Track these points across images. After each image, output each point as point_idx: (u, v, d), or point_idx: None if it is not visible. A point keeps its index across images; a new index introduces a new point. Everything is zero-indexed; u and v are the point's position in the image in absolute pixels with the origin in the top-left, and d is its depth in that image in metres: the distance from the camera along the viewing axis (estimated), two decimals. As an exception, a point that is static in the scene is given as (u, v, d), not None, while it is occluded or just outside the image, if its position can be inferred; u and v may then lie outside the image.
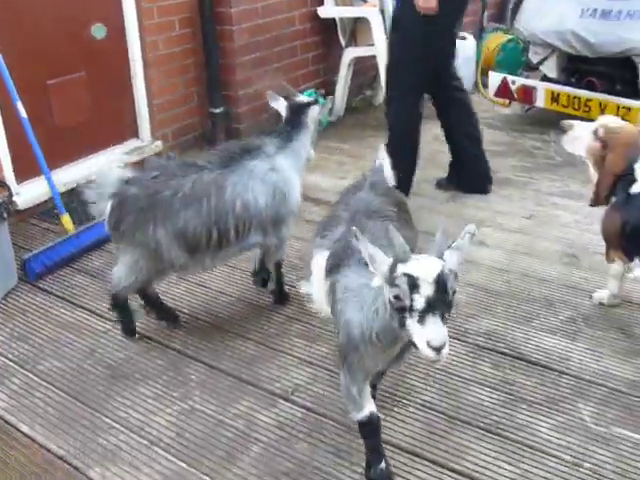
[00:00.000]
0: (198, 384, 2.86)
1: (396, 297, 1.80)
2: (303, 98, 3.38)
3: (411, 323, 1.78)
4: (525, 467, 2.39)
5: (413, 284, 1.77)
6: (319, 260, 2.35)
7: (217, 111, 5.32)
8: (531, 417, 2.61)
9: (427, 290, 1.76)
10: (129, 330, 3.20)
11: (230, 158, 3.01)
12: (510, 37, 6.66)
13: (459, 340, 3.06)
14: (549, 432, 2.54)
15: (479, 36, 7.02)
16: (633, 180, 2.91)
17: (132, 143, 5.01)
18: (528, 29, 5.55)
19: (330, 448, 2.50)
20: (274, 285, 3.38)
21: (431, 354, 1.74)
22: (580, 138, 3.05)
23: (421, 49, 4.09)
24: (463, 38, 6.64)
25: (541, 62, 5.66)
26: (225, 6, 5.13)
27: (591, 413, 2.63)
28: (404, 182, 3.91)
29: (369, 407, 2.26)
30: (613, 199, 2.97)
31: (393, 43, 4.33)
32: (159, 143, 5.07)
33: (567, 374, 2.84)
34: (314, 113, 3.28)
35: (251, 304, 3.40)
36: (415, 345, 1.79)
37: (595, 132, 2.98)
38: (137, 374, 2.93)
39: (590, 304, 3.29)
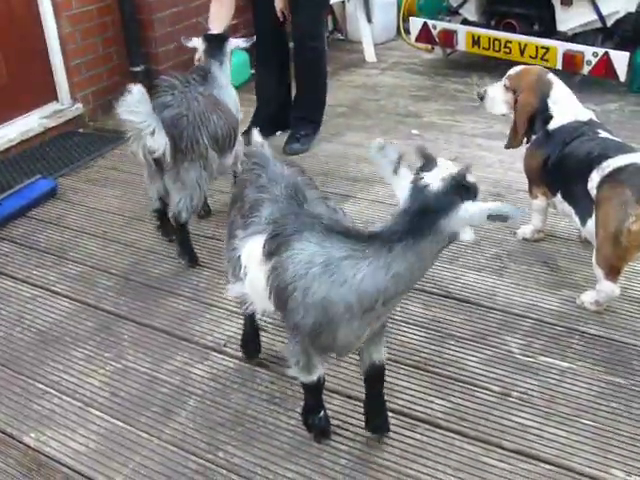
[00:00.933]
0: (131, 343, 2.85)
1: None
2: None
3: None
4: (455, 400, 2.46)
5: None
6: (253, 249, 2.08)
7: (137, 69, 5.21)
8: (460, 352, 2.68)
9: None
10: (193, 258, 3.33)
11: (202, 77, 3.35)
12: (430, -19, 6.65)
13: (388, 283, 3.10)
14: (478, 365, 2.61)
15: (399, -18, 7.01)
16: (549, 117, 2.98)
17: (51, 107, 4.89)
18: (446, -28, 5.55)
19: (264, 396, 2.53)
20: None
21: None
22: (495, 97, 3.22)
23: None
24: (383, -16, 6.63)
25: (460, 5, 5.69)
26: (138, -40, 5.01)
27: (518, 345, 2.71)
28: None
29: (318, 372, 2.20)
30: (533, 137, 3.05)
31: None
32: (79, 105, 4.96)
33: (494, 309, 2.92)
34: (230, 46, 3.56)
35: (180, 261, 3.38)
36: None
37: (504, 85, 3.15)
38: (67, 337, 2.90)
39: (515, 240, 3.36)
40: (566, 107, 3.02)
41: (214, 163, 3.24)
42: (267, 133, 3.98)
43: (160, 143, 2.97)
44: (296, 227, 1.97)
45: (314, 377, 2.20)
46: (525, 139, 3.13)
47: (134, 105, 2.88)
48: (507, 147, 3.22)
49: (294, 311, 1.97)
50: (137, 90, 2.88)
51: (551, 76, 3.08)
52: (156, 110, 3.00)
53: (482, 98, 3.29)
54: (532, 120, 3.05)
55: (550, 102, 3.00)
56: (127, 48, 5.20)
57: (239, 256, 2.18)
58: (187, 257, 3.32)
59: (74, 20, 4.81)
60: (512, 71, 3.16)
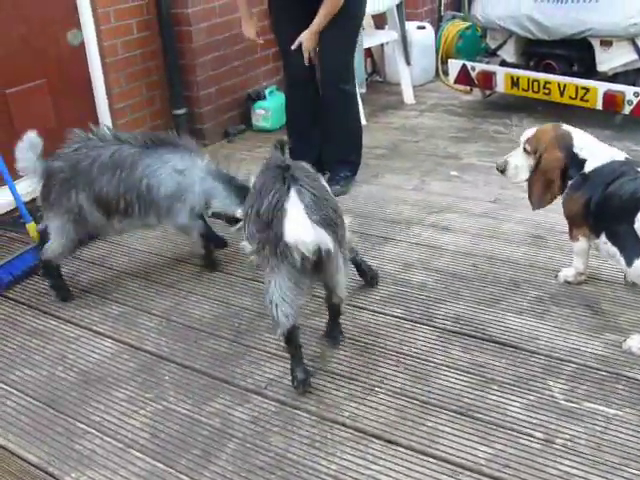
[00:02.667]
0: (172, 384, 2.86)
1: None
2: None
3: None
4: (499, 447, 2.42)
5: None
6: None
7: (179, 112, 5.31)
8: (502, 397, 2.64)
9: None
10: (65, 295, 3.52)
11: (153, 142, 3.37)
12: (468, 24, 6.70)
13: (428, 325, 3.09)
14: (520, 411, 2.57)
15: (438, 24, 7.08)
16: (583, 161, 2.98)
17: (95, 149, 4.98)
18: (485, 16, 5.59)
19: (305, 440, 2.51)
20: (201, 249, 3.66)
21: None
22: (518, 165, 3.16)
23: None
24: (423, 27, 6.70)
25: (499, 47, 5.71)
26: (182, 7, 5.12)
27: (562, 390, 2.66)
28: None
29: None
30: (569, 183, 3.03)
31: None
32: (123, 147, 5.04)
33: (536, 353, 2.88)
34: None
35: (221, 302, 3.40)
36: None
37: (525, 150, 3.11)
38: (109, 378, 2.92)
39: (557, 283, 3.32)
40: (596, 149, 3.01)
41: (98, 223, 3.38)
42: None
43: (36, 189, 3.35)
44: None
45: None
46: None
47: (21, 151, 3.26)
48: (537, 208, 3.17)
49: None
50: (27, 138, 3.27)
51: (567, 127, 3.08)
52: (50, 159, 3.31)
53: (503, 170, 3.22)
54: (563, 173, 3.03)
55: (576, 149, 3.00)
56: (170, 92, 5.30)
57: None
58: (54, 292, 3.53)
59: (119, 65, 4.93)
60: (527, 134, 3.12)
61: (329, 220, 2.54)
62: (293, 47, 4.24)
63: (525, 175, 3.15)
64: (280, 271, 2.54)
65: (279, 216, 2.45)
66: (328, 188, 2.82)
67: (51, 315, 3.40)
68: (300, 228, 2.37)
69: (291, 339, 2.68)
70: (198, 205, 3.44)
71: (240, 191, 3.34)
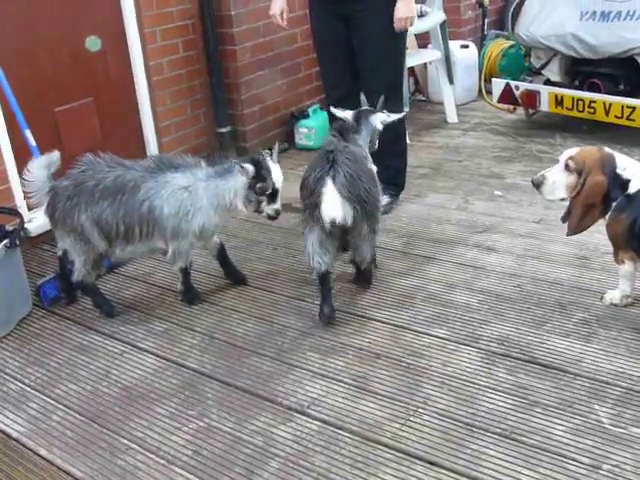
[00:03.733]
0: (214, 402, 2.87)
1: None
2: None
3: None
4: (543, 471, 2.38)
5: None
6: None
7: (224, 130, 5.37)
8: (547, 421, 2.60)
9: None
10: (109, 311, 3.56)
11: (157, 166, 3.32)
12: (511, 43, 6.68)
13: (472, 347, 3.06)
14: (566, 435, 2.53)
15: (481, 43, 7.07)
16: (627, 182, 2.93)
17: (141, 166, 5.05)
18: (529, 34, 5.57)
19: (347, 460, 2.50)
20: (180, 285, 3.59)
21: None
22: (557, 181, 3.08)
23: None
24: (466, 46, 6.69)
25: (543, 66, 5.69)
26: (227, 27, 5.19)
27: (608, 414, 2.62)
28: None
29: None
30: (613, 205, 2.98)
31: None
32: (168, 164, 5.10)
33: (582, 376, 2.83)
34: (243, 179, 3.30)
35: (264, 320, 3.41)
36: None
37: (567, 167, 3.03)
38: (153, 394, 2.94)
39: (603, 305, 3.28)
40: (638, 169, 2.97)
41: (100, 247, 3.36)
42: None
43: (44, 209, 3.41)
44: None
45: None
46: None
47: (31, 171, 3.32)
48: (573, 234, 3.11)
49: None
50: (46, 156, 3.37)
51: (609, 149, 3.03)
52: (60, 179, 3.35)
53: (539, 185, 3.13)
54: (605, 196, 2.98)
55: (620, 171, 2.94)
56: (214, 110, 5.37)
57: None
58: (98, 309, 3.58)
59: (165, 84, 5.00)
60: (571, 152, 3.04)
61: (359, 198, 3.10)
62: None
63: (561, 193, 3.08)
64: (314, 231, 3.17)
65: (319, 189, 3.07)
66: (372, 170, 3.41)
67: (96, 331, 3.44)
68: (330, 205, 3.02)
69: (323, 281, 3.25)
70: (209, 222, 3.35)
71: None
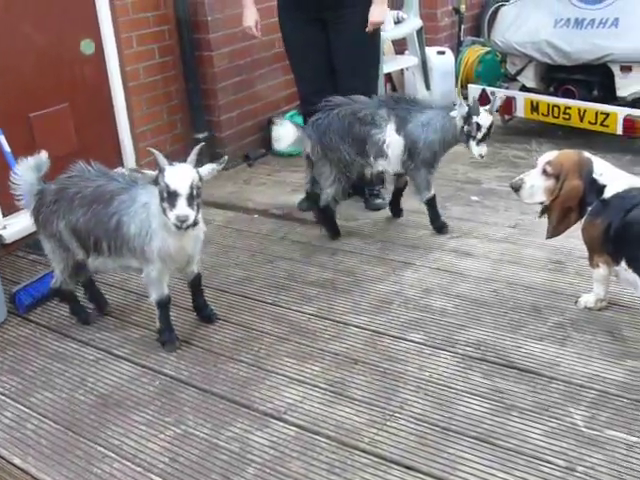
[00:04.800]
0: (191, 408, 2.86)
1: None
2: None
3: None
4: (519, 474, 2.39)
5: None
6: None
7: (201, 136, 5.34)
8: (522, 424, 2.62)
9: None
10: (84, 318, 3.54)
11: (139, 179, 3.06)
12: (488, 49, 6.72)
13: (449, 351, 3.07)
14: (541, 438, 2.55)
15: (457, 50, 7.11)
16: (602, 186, 2.96)
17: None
18: (504, 41, 5.61)
19: (324, 465, 2.50)
20: (157, 322, 3.27)
21: None
22: (535, 185, 3.09)
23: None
24: (442, 52, 6.72)
25: (519, 73, 5.73)
26: (203, 33, 5.18)
27: (583, 417, 2.64)
28: None
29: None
30: (588, 209, 3.01)
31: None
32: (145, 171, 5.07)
33: (557, 379, 2.85)
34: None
35: (241, 326, 3.40)
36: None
37: (544, 172, 3.05)
38: (129, 401, 2.92)
39: (578, 309, 3.30)
40: (614, 175, 2.99)
41: (77, 255, 3.27)
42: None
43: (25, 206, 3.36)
44: None
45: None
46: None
47: (19, 173, 3.26)
48: (551, 237, 3.15)
49: None
50: (35, 158, 3.27)
51: (587, 154, 3.06)
52: (49, 183, 3.29)
53: (518, 189, 3.14)
54: (581, 200, 3.01)
55: (596, 175, 2.97)
56: (191, 116, 5.35)
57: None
58: (74, 316, 3.56)
59: (141, 89, 4.98)
60: (549, 157, 3.07)
61: None
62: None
63: (540, 197, 3.10)
64: None
65: None
66: None
67: (71, 338, 3.42)
68: None
69: (326, 214, 4.15)
70: (164, 244, 2.97)
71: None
